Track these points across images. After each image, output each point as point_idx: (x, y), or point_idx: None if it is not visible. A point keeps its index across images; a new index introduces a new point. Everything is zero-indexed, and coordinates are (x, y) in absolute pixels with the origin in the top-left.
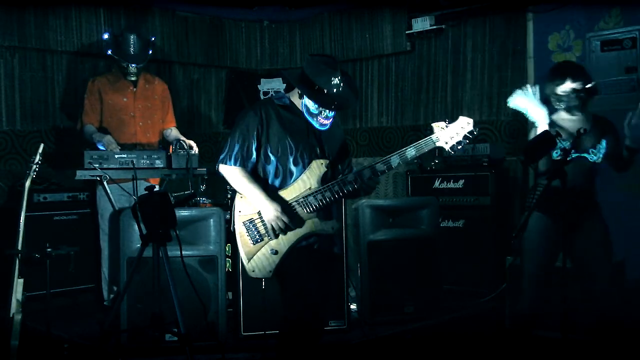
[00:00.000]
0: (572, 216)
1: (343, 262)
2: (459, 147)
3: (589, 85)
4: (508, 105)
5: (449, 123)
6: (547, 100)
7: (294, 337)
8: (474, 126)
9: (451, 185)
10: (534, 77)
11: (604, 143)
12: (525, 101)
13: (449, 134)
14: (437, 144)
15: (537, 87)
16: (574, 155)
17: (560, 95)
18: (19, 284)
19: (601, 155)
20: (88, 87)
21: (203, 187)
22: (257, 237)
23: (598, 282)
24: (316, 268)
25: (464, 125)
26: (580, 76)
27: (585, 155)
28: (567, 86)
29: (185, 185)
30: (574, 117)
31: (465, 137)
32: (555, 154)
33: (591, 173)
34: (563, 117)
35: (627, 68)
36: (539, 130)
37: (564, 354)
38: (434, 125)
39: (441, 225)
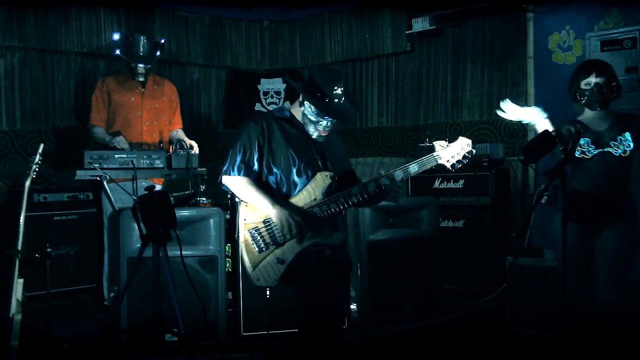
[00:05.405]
0: (592, 218)
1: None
2: (459, 166)
3: (613, 84)
4: (502, 116)
5: (450, 142)
6: (575, 98)
7: (316, 335)
8: (472, 146)
9: (451, 185)
10: (534, 77)
11: (627, 135)
12: (514, 110)
13: (450, 153)
14: (439, 162)
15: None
16: (595, 152)
17: (583, 89)
18: (19, 284)
19: (627, 148)
20: (97, 86)
21: (203, 187)
22: (262, 245)
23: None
24: (329, 269)
25: (463, 145)
26: (604, 72)
27: (608, 149)
28: (590, 80)
29: (185, 185)
30: (594, 115)
31: (464, 156)
32: (577, 153)
33: (620, 172)
34: (585, 116)
35: (627, 68)
36: (539, 129)
37: (564, 354)
38: (435, 143)
39: (441, 225)
